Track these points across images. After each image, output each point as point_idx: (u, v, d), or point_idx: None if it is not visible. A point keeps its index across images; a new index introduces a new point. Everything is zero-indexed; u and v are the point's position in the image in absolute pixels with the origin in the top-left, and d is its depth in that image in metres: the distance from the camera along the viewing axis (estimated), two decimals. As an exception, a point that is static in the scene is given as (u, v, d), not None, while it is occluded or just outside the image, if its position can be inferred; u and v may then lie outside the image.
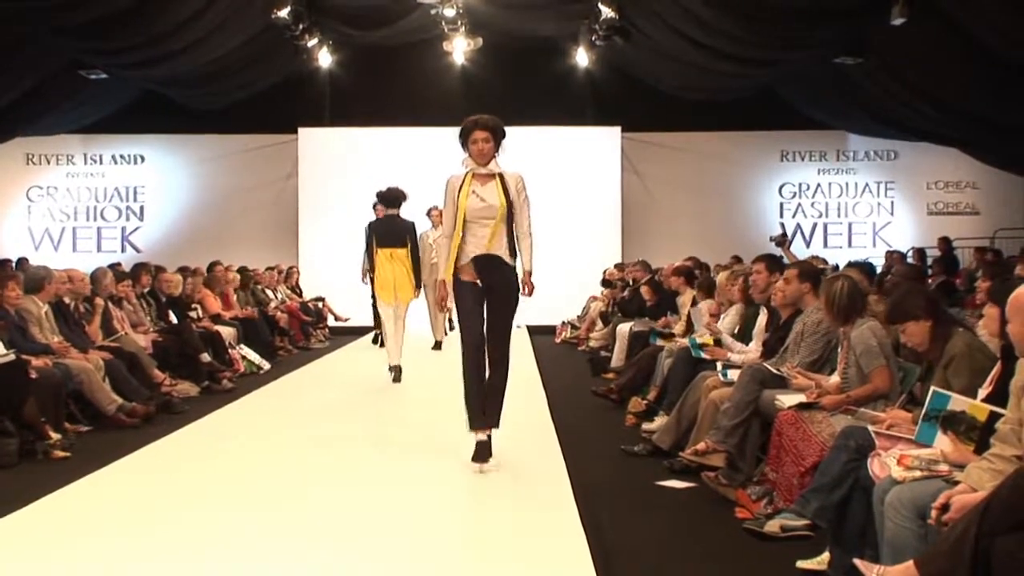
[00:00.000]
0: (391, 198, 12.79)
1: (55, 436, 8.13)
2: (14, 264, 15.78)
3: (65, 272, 10.82)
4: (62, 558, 5.22)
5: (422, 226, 14.31)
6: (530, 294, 7.53)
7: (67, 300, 10.29)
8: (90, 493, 6.74)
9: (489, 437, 7.33)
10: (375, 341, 15.47)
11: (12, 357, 8.24)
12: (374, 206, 13.49)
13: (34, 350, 8.87)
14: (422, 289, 13.18)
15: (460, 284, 7.47)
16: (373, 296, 14.00)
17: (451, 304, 7.68)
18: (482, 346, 7.37)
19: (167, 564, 5.09)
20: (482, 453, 7.23)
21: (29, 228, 21.80)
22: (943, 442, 4.38)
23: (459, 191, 7.42)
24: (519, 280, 7.51)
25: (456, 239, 7.40)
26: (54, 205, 21.91)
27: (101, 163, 21.99)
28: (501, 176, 7.47)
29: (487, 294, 7.45)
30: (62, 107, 19.55)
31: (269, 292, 16.88)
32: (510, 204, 7.40)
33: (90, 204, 21.95)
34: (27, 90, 17.57)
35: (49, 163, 21.93)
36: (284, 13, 17.06)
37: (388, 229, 12.71)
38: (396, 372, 12.53)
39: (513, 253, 7.53)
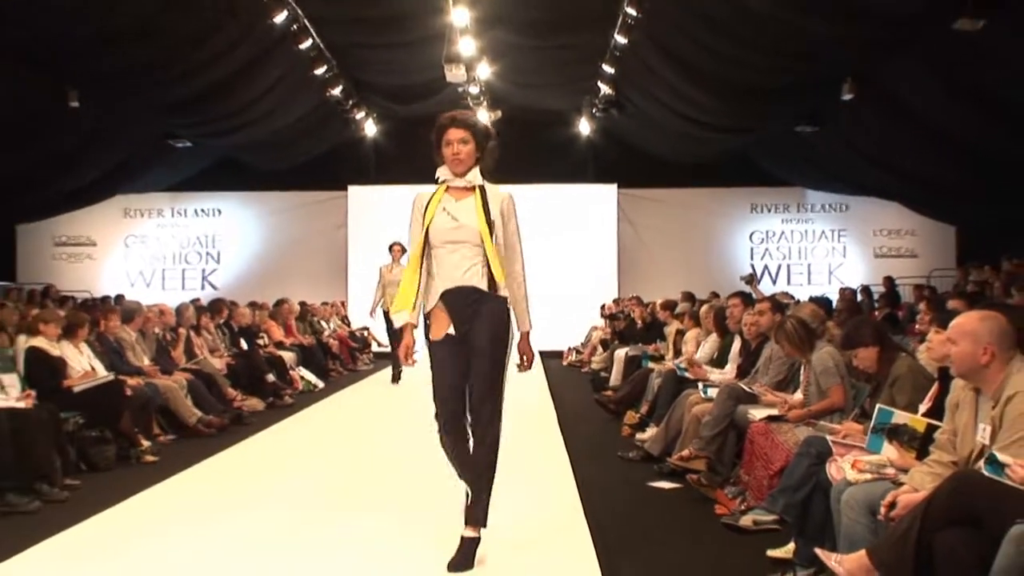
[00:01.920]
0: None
1: (146, 444, 8.17)
2: (113, 300, 15.89)
3: (155, 306, 10.97)
4: (153, 545, 5.24)
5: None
6: (530, 365, 5.10)
7: (156, 330, 10.36)
8: (175, 491, 6.77)
9: (474, 539, 4.81)
10: (394, 380, 13.69)
11: (111, 377, 8.33)
12: (390, 248, 14.04)
13: (129, 371, 8.94)
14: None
15: (433, 346, 4.93)
16: (390, 334, 13.44)
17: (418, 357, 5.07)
18: (462, 426, 4.89)
19: (240, 552, 5.13)
20: (461, 557, 4.76)
21: (126, 270, 21.99)
22: (889, 450, 4.41)
23: (425, 207, 4.94)
24: (509, 319, 4.92)
25: (413, 271, 4.91)
26: (146, 251, 22.11)
27: (185, 216, 22.18)
28: (482, 190, 4.89)
29: (468, 343, 4.84)
30: (154, 170, 19.80)
31: (323, 323, 16.95)
32: (491, 225, 4.83)
33: (176, 250, 22.13)
34: (125, 158, 17.77)
35: (143, 216, 22.13)
36: (336, 91, 17.33)
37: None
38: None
39: (495, 285, 4.87)
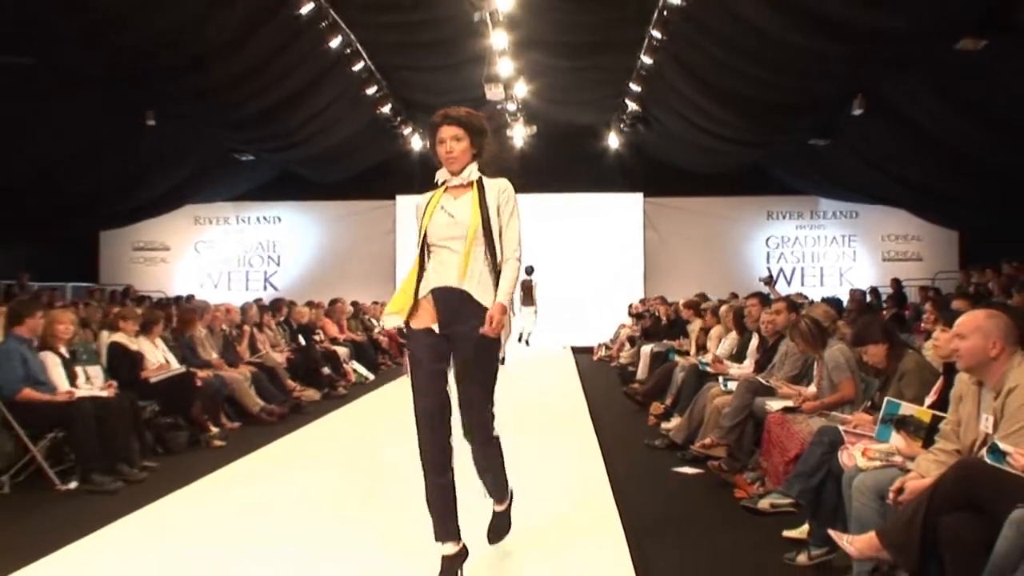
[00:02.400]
0: (528, 268, 14.21)
1: (214, 430, 8.25)
2: (184, 299, 16.07)
3: (222, 306, 11.07)
4: (222, 521, 5.29)
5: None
6: (494, 333, 4.11)
7: (223, 327, 10.44)
8: (241, 473, 6.83)
9: (457, 555, 4.20)
10: None
11: (183, 370, 8.42)
12: None
13: (199, 364, 9.02)
14: None
15: (412, 333, 4.36)
16: None
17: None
18: (441, 422, 4.22)
19: (300, 521, 5.18)
20: (493, 530, 4.61)
21: (196, 272, 22.20)
22: (897, 439, 4.38)
23: (424, 210, 4.43)
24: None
25: (412, 274, 4.42)
26: (214, 255, 22.32)
27: (248, 223, 22.36)
28: (480, 184, 4.36)
29: (452, 348, 4.28)
30: (221, 182, 20.02)
31: (374, 320, 16.98)
32: (487, 220, 4.28)
33: (240, 254, 22.32)
34: (195, 170, 17.96)
35: (211, 223, 22.35)
36: (386, 109, 17.43)
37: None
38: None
39: (493, 288, 4.32)
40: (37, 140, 13.57)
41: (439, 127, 4.32)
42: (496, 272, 4.29)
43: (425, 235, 4.35)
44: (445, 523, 4.19)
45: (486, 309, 4.16)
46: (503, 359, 4.70)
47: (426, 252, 4.38)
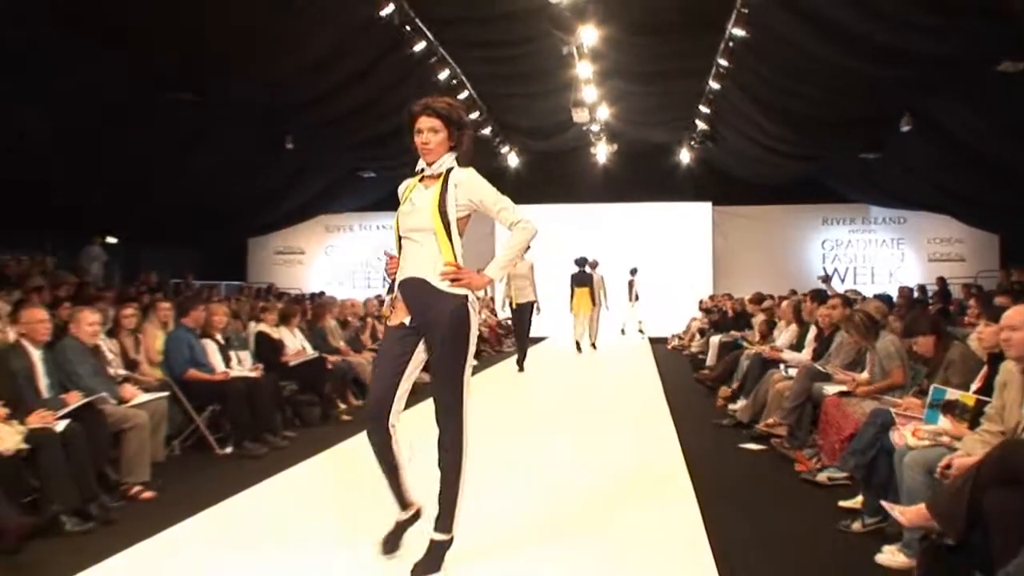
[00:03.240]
0: (580, 259, 15.08)
1: (342, 406, 8.39)
2: (316, 295, 16.39)
3: (348, 301, 11.26)
4: (353, 483, 5.35)
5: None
6: (453, 281, 3.71)
7: (349, 319, 10.61)
8: (365, 442, 6.90)
9: (443, 543, 3.72)
10: (520, 368, 12.27)
11: (316, 355, 8.56)
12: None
13: (329, 351, 9.16)
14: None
15: (387, 329, 3.93)
16: (515, 324, 13.00)
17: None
18: (382, 411, 3.76)
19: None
20: (393, 536, 3.94)
21: (326, 272, 22.49)
22: (944, 422, 4.27)
23: (401, 198, 3.94)
24: (468, 317, 3.75)
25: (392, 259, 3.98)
26: (342, 258, 22.57)
27: (370, 231, 22.54)
28: (446, 175, 3.81)
29: (425, 336, 3.78)
30: (347, 196, 20.36)
31: (475, 313, 17.08)
32: (444, 211, 3.74)
33: (364, 257, 22.52)
34: (326, 186, 18.31)
35: (339, 231, 22.62)
36: (487, 131, 17.51)
37: (581, 278, 15.00)
38: (578, 346, 14.98)
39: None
40: (199, 163, 14.02)
41: (417, 117, 3.80)
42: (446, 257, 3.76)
43: (397, 224, 3.90)
44: (396, 496, 3.89)
45: (449, 295, 3.71)
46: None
47: (399, 242, 3.90)
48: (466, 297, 3.77)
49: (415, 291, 3.77)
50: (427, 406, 3.83)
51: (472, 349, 3.83)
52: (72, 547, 4.29)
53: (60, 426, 4.83)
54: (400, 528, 3.94)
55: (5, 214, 13.14)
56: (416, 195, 3.85)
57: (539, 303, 12.60)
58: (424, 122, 3.78)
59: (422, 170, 3.88)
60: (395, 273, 3.90)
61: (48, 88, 9.95)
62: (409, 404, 3.87)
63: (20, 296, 9.35)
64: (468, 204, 3.84)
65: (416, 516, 3.96)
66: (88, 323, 5.92)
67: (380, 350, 4.00)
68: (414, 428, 3.94)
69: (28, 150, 11.33)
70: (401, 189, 3.99)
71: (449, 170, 3.83)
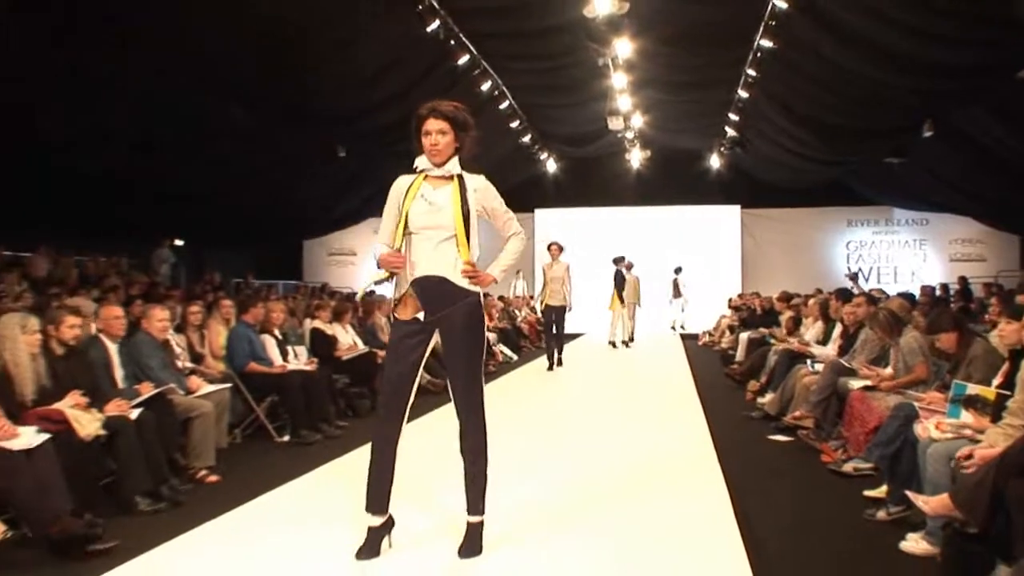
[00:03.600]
0: (618, 258, 15.03)
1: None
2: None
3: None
4: (402, 469, 5.39)
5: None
6: (472, 279, 3.70)
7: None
8: (415, 431, 6.89)
9: (382, 527, 3.76)
10: (550, 368, 11.62)
11: (367, 350, 8.64)
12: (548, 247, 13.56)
13: (379, 346, 9.14)
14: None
15: (396, 324, 3.79)
16: (546, 325, 12.09)
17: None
18: (396, 407, 3.70)
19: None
20: (370, 544, 3.75)
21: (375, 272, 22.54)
22: (966, 416, 4.23)
23: (404, 194, 3.80)
24: (481, 313, 3.78)
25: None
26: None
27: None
28: (460, 179, 3.79)
29: (440, 335, 3.77)
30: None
31: (516, 311, 17.10)
32: (466, 214, 3.71)
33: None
34: (374, 191, 18.26)
35: None
36: (526, 139, 17.55)
37: (619, 278, 14.91)
38: (613, 344, 14.82)
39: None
40: (262, 170, 14.23)
41: (425, 119, 3.76)
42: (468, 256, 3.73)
43: (406, 220, 3.76)
44: (377, 498, 3.74)
45: (467, 291, 3.71)
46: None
47: (406, 238, 3.79)
48: (479, 294, 3.78)
49: (432, 288, 3.70)
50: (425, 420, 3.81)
51: (485, 342, 3.84)
52: (145, 525, 4.38)
53: (134, 414, 4.93)
54: (376, 536, 3.76)
55: (87, 220, 13.51)
56: (428, 194, 3.76)
57: (571, 304, 11.82)
58: (432, 124, 3.74)
59: (423, 170, 3.82)
60: (399, 269, 3.78)
61: (125, 104, 10.15)
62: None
63: (99, 294, 9.54)
64: (481, 210, 3.84)
65: (389, 525, 3.82)
66: (158, 319, 6.02)
67: (393, 345, 3.81)
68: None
69: (106, 162, 11.60)
70: (402, 186, 3.85)
71: (461, 175, 3.80)
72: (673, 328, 19.27)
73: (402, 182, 3.87)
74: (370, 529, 3.77)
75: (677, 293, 19.58)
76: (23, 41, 8.26)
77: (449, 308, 3.69)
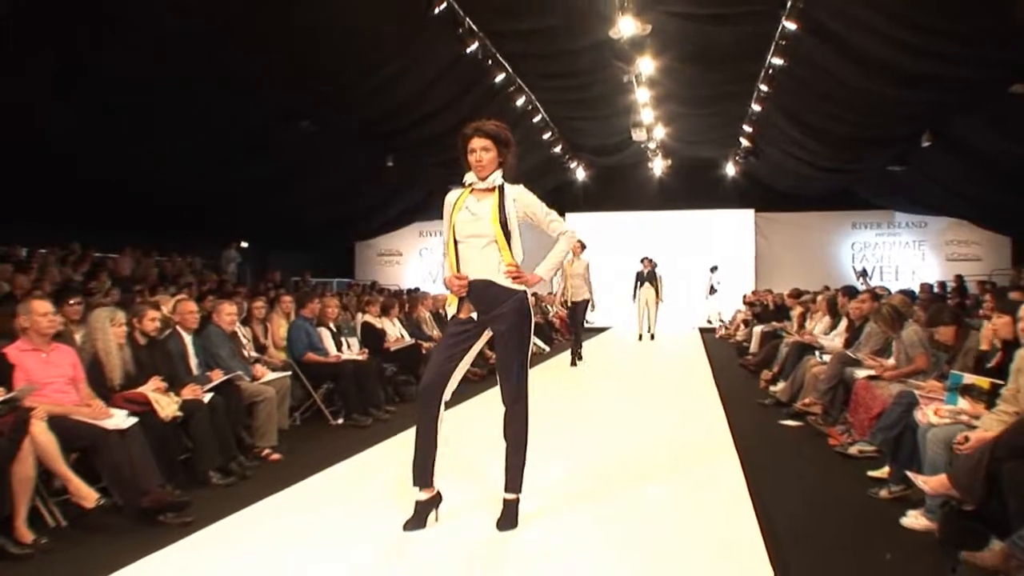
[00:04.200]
0: (645, 259, 14.82)
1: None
2: (412, 291, 16.57)
3: (440, 295, 11.27)
4: (444, 451, 5.42)
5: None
6: (515, 279, 3.79)
7: (441, 311, 10.67)
8: (456, 415, 6.91)
9: (514, 501, 3.85)
10: (573, 363, 10.99)
11: (412, 342, 8.68)
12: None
13: (424, 338, 9.23)
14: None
15: (452, 320, 3.92)
16: (571, 319, 11.60)
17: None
18: (436, 390, 3.76)
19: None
20: (418, 517, 3.82)
21: (421, 271, 22.52)
22: (963, 403, 4.18)
23: (453, 207, 3.89)
24: (528, 309, 3.84)
25: (449, 262, 3.90)
26: (433, 258, 22.47)
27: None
28: (501, 189, 3.84)
29: (491, 330, 3.86)
30: (436, 206, 20.25)
31: (549, 307, 17.07)
32: (504, 221, 3.77)
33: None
34: (420, 198, 18.47)
35: (431, 235, 22.30)
36: (557, 149, 17.51)
37: (648, 276, 14.78)
38: (640, 337, 14.74)
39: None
40: (318, 179, 14.38)
41: (471, 139, 3.81)
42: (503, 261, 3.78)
43: (454, 230, 3.84)
44: (422, 474, 3.80)
45: (512, 291, 3.77)
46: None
47: (455, 246, 3.86)
48: (525, 293, 3.82)
49: (481, 291, 3.77)
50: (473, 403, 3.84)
51: (531, 336, 3.87)
52: (218, 497, 4.47)
53: (206, 398, 5.03)
54: (423, 509, 3.82)
55: (166, 225, 13.83)
56: (472, 205, 3.82)
57: (594, 300, 11.42)
58: (477, 142, 3.79)
59: (471, 184, 3.87)
60: (462, 291, 3.82)
61: (201, 123, 10.40)
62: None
63: (175, 291, 9.71)
64: (523, 215, 3.87)
65: (436, 500, 3.87)
66: (227, 313, 6.12)
67: (445, 337, 3.93)
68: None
69: (185, 177, 11.91)
70: (451, 199, 3.91)
71: (501, 186, 3.83)
72: (710, 321, 19.04)
73: (451, 196, 3.92)
74: (417, 503, 3.83)
75: (713, 289, 19.35)
76: (124, 68, 8.56)
77: (499, 308, 3.76)
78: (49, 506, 4.03)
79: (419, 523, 3.80)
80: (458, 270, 3.84)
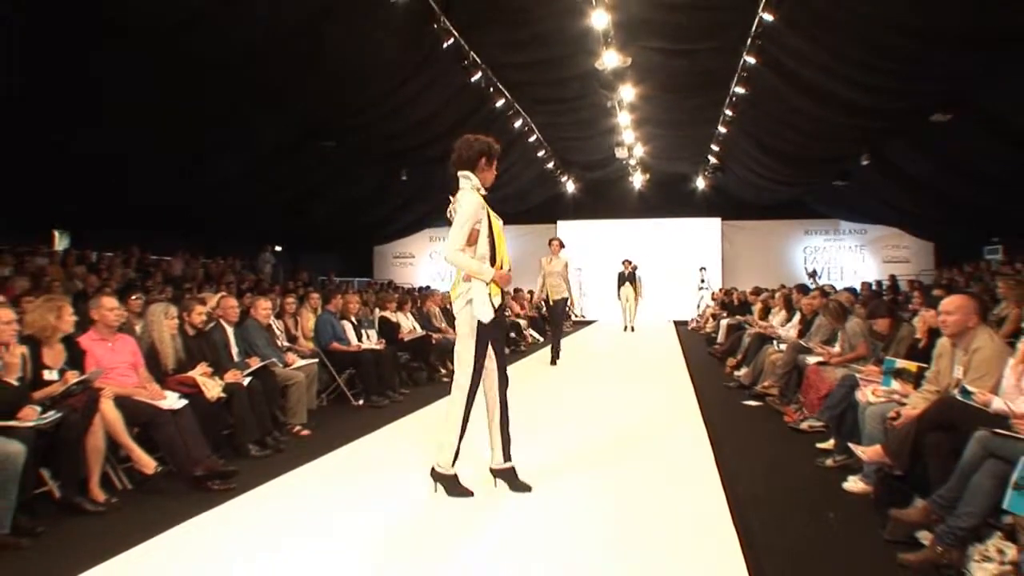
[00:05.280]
0: (625, 261, 14.91)
1: (443, 372, 8.40)
2: (423, 289, 16.57)
3: (448, 292, 11.30)
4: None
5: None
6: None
7: (448, 306, 10.68)
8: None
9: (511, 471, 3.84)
10: (553, 362, 9.64)
11: (424, 333, 8.65)
12: (549, 242, 13.19)
13: (433, 330, 9.21)
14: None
15: (499, 318, 3.77)
16: (549, 319, 10.78)
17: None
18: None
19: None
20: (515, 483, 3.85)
21: (430, 272, 22.37)
22: (895, 385, 4.23)
23: (486, 211, 3.73)
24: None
25: (501, 260, 3.79)
26: (442, 260, 22.45)
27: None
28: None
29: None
30: (446, 214, 20.42)
31: (542, 303, 17.02)
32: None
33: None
34: (431, 207, 18.42)
35: (440, 240, 22.22)
36: (550, 165, 17.48)
37: (628, 276, 14.88)
38: (624, 328, 14.67)
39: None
40: (342, 192, 14.41)
41: (498, 157, 3.80)
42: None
43: (502, 239, 3.71)
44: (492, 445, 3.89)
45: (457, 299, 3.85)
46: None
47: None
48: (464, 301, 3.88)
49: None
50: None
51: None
52: (256, 467, 4.52)
53: (246, 382, 5.07)
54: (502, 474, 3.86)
55: (212, 231, 13.97)
56: (491, 211, 3.73)
57: (573, 298, 10.43)
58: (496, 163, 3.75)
59: (481, 191, 3.79)
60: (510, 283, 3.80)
61: (239, 142, 10.46)
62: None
63: (219, 289, 9.75)
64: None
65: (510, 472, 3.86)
66: (263, 308, 6.16)
67: (498, 330, 3.92)
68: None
69: (226, 188, 11.99)
70: (480, 202, 3.73)
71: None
72: (698, 307, 18.95)
73: (479, 200, 3.73)
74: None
75: (703, 283, 19.29)
76: (170, 87, 8.67)
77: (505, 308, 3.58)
78: (117, 472, 4.11)
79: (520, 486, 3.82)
80: (502, 266, 3.72)
